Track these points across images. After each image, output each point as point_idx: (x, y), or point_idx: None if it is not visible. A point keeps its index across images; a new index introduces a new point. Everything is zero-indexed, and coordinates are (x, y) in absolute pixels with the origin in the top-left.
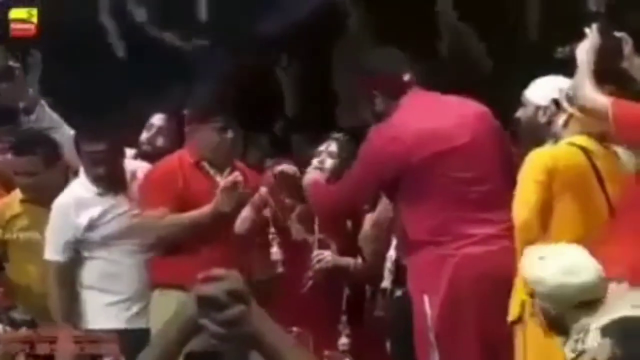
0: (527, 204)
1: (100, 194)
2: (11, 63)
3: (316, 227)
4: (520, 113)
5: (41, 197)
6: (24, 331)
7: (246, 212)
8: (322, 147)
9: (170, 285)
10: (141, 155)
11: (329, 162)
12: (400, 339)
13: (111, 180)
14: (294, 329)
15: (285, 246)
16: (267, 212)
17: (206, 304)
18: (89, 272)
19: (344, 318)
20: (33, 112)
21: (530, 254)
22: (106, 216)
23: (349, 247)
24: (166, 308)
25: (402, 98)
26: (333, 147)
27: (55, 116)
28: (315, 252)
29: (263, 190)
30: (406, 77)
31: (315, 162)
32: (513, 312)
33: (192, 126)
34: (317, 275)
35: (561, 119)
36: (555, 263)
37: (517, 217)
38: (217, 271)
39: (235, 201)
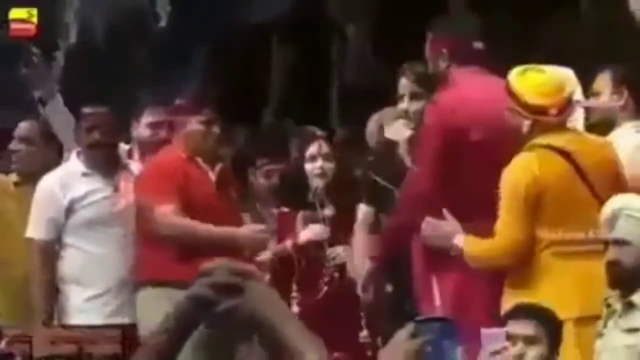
0: (515, 224)
1: (86, 174)
2: (33, 49)
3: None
4: None
5: (35, 174)
6: None
7: (266, 256)
8: (313, 150)
9: (161, 282)
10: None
11: (328, 167)
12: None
13: (104, 154)
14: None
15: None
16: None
17: (195, 303)
18: (70, 265)
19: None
20: (48, 104)
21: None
22: (89, 197)
23: None
24: (157, 305)
25: (465, 68)
26: (325, 147)
27: (69, 115)
28: (329, 250)
29: (289, 245)
30: (477, 45)
31: (317, 169)
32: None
33: (180, 118)
34: (334, 273)
35: (525, 126)
36: None
37: (504, 234)
38: (205, 266)
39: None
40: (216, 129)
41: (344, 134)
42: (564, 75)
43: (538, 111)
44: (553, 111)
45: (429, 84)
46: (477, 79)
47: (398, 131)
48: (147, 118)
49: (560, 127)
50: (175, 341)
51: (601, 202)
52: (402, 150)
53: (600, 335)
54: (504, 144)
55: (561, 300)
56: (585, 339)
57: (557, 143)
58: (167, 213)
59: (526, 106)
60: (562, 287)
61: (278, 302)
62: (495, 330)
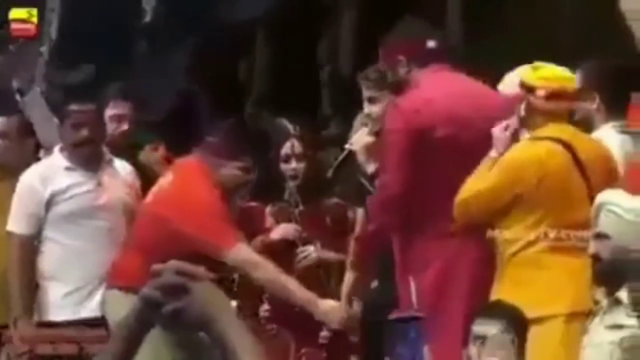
0: (490, 191)
1: (69, 169)
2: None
3: (299, 226)
4: None
5: (10, 170)
6: None
7: None
8: (286, 149)
9: (132, 290)
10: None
11: (300, 168)
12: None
13: (90, 151)
14: (274, 326)
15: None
16: None
17: (146, 303)
18: (49, 259)
19: None
20: (27, 95)
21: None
22: (71, 191)
23: (330, 242)
24: (123, 310)
25: (425, 69)
26: (297, 147)
27: (47, 110)
28: (300, 248)
29: (259, 242)
30: (431, 44)
31: (290, 170)
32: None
33: (217, 160)
34: (303, 272)
35: (521, 109)
36: None
37: (472, 186)
38: (154, 267)
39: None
40: (252, 177)
41: (335, 131)
42: (570, 74)
43: (528, 89)
44: (540, 92)
45: (387, 87)
46: (439, 77)
47: (356, 140)
48: (110, 110)
49: (558, 121)
50: (132, 341)
51: (593, 198)
52: (361, 158)
53: (586, 331)
54: (473, 138)
55: (552, 296)
56: (574, 335)
57: (558, 135)
58: (244, 251)
59: (522, 85)
60: (553, 282)
61: (225, 304)
62: None
